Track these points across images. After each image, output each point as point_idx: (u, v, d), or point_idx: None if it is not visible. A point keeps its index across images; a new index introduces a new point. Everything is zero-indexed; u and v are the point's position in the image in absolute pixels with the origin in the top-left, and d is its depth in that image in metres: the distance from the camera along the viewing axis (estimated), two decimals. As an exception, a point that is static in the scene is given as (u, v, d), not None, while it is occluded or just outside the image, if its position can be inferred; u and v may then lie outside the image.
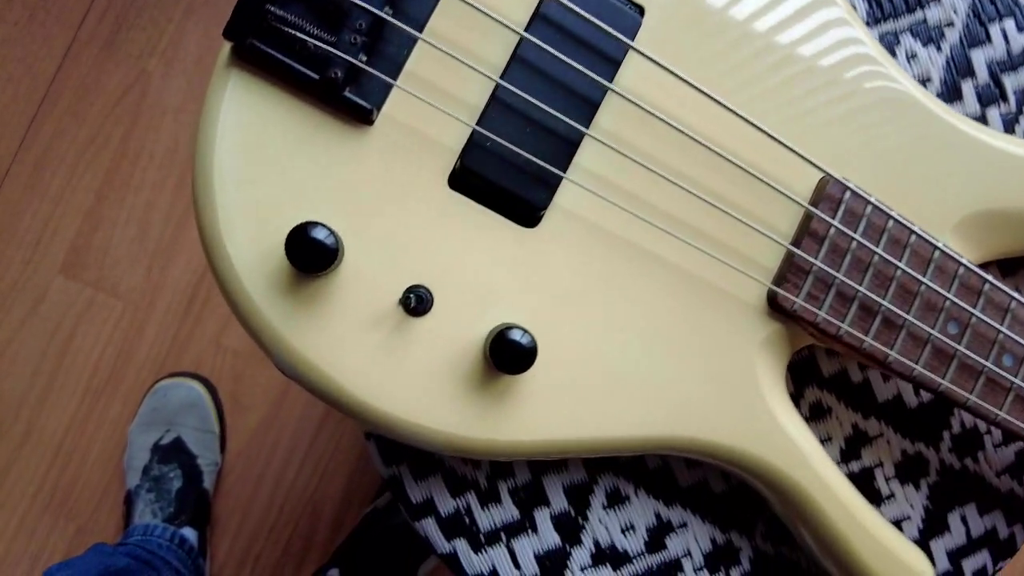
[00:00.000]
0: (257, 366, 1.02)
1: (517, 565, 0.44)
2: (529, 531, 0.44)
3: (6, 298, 1.00)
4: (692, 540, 0.45)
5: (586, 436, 0.38)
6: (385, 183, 0.36)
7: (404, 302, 0.35)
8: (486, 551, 0.44)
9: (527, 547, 0.45)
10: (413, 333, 0.36)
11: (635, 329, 0.38)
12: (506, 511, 0.44)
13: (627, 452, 0.39)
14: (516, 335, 0.35)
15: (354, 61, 0.35)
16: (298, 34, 0.34)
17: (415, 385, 0.36)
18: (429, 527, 0.44)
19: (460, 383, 0.36)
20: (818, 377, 0.46)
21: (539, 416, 0.37)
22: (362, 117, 0.35)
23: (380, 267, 0.36)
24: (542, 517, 0.45)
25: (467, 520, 0.44)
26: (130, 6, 1.04)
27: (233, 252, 0.34)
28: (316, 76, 0.34)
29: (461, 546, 0.44)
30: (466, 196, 0.37)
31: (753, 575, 0.45)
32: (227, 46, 0.35)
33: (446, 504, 0.44)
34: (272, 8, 0.34)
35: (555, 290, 0.37)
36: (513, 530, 0.44)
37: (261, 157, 0.35)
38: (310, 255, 0.33)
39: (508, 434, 0.37)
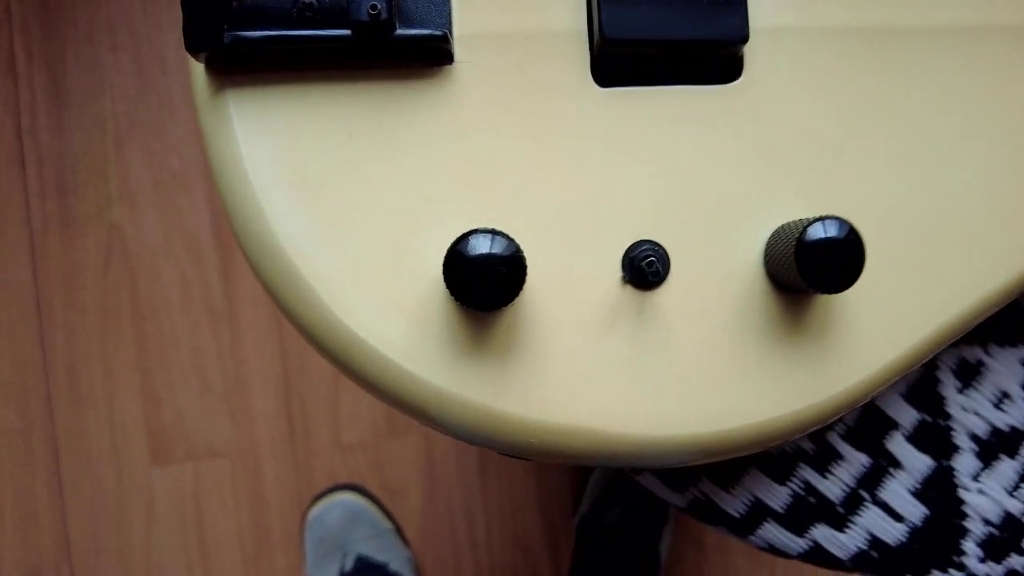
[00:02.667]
0: (389, 446, 0.92)
1: (898, 517, 0.32)
2: (890, 470, 0.32)
3: (120, 515, 0.92)
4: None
5: (954, 310, 0.25)
6: (509, 132, 0.23)
7: (636, 273, 0.23)
8: (852, 521, 0.32)
9: (898, 489, 0.32)
10: (670, 310, 0.24)
11: (924, 155, 0.25)
12: (851, 462, 0.32)
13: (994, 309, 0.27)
14: (824, 228, 0.22)
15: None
16: (290, -12, 0.21)
17: (723, 385, 0.24)
18: (771, 534, 0.32)
19: (761, 347, 0.24)
20: None
21: (895, 323, 0.25)
22: (435, 55, 0.23)
23: (569, 244, 0.23)
24: (896, 444, 0.32)
25: (812, 500, 0.32)
26: (63, 171, 0.93)
27: (364, 329, 0.23)
28: (347, 31, 0.22)
29: (820, 533, 0.32)
30: (630, 85, 0.24)
31: None
32: (198, 69, 0.23)
33: (777, 496, 0.32)
34: (232, -16, 0.22)
35: (814, 145, 0.25)
36: (871, 480, 0.32)
37: (329, 182, 0.23)
38: (494, 284, 0.20)
39: (855, 373, 0.25)
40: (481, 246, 0.20)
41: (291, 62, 0.22)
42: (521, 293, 0.22)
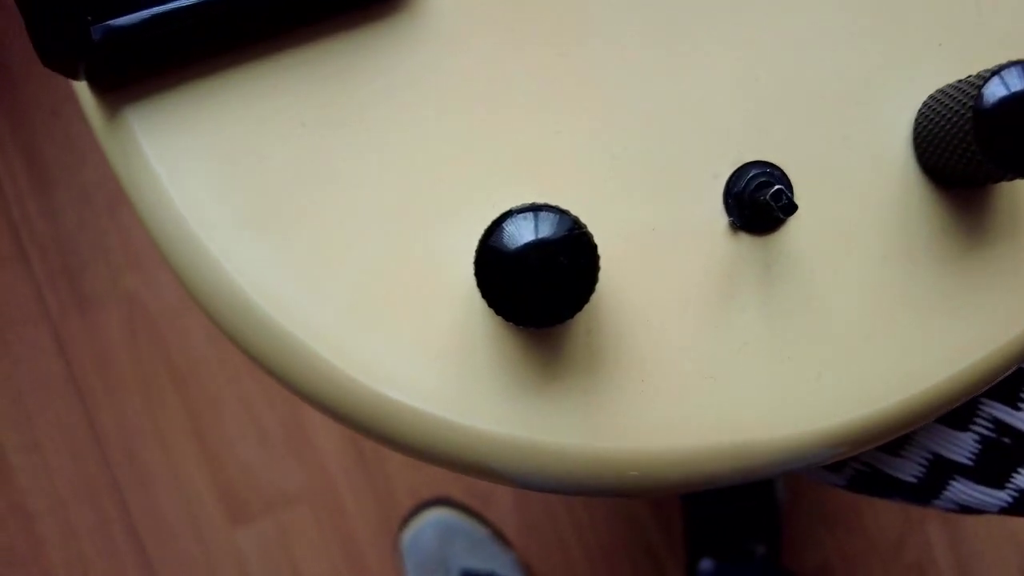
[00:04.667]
0: (467, 450, 0.87)
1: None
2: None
3: (214, 586, 0.89)
4: None
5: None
6: (522, 58, 0.17)
7: (754, 210, 0.16)
8: (1064, 455, 0.25)
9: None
10: (807, 254, 0.17)
11: None
12: None
13: None
14: (1008, 81, 0.15)
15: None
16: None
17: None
18: (961, 493, 0.25)
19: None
20: None
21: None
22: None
23: (640, 196, 0.16)
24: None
25: (1007, 440, 0.25)
26: (66, 254, 0.89)
27: (389, 385, 0.16)
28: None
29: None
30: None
31: None
32: (85, 92, 0.16)
33: (961, 446, 0.25)
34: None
35: None
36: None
37: (292, 199, 0.16)
38: (557, 284, 0.14)
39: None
40: (524, 232, 0.14)
41: (200, 46, 0.16)
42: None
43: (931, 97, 0.17)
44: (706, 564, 0.80)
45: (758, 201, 0.15)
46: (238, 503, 0.88)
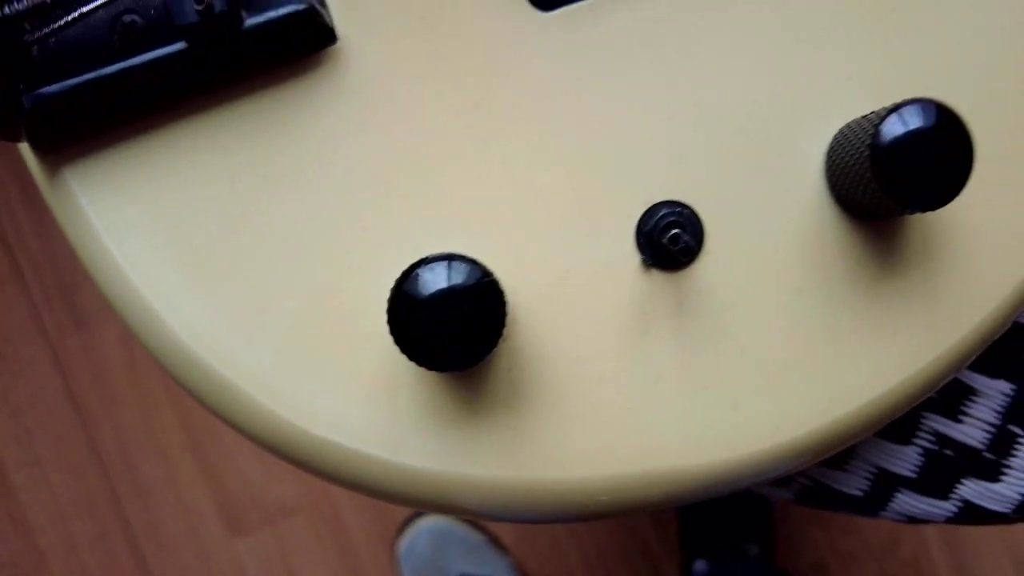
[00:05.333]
0: (461, 458, 0.88)
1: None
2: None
3: (215, 596, 0.90)
4: None
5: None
6: (437, 110, 0.17)
7: (658, 251, 0.16)
8: (1007, 466, 0.26)
9: (1056, 412, 0.26)
10: (720, 288, 0.17)
11: None
12: (989, 395, 0.26)
13: None
14: (904, 119, 0.15)
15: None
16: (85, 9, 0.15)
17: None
18: (907, 505, 0.26)
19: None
20: None
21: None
22: (309, 38, 0.17)
23: (556, 240, 0.17)
24: (1040, 358, 0.25)
25: (949, 453, 0.26)
26: (60, 272, 0.91)
27: (323, 426, 0.17)
28: (181, 43, 0.16)
29: (970, 489, 0.26)
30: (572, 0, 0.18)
31: None
32: (28, 152, 0.17)
33: (904, 459, 0.26)
34: (28, 25, 0.16)
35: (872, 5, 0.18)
36: (1017, 411, 0.26)
37: (225, 251, 0.17)
38: (465, 331, 0.14)
39: (981, 305, 0.18)
40: (436, 280, 0.15)
41: (131, 109, 0.17)
42: (510, 324, 0.16)
43: (840, 131, 0.17)
44: (700, 566, 0.81)
45: (660, 242, 0.16)
46: (237, 514, 0.89)
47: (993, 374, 0.26)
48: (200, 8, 0.15)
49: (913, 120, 0.16)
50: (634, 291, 0.17)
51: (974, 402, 0.26)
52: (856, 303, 0.18)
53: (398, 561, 0.87)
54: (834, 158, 0.17)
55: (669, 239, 0.15)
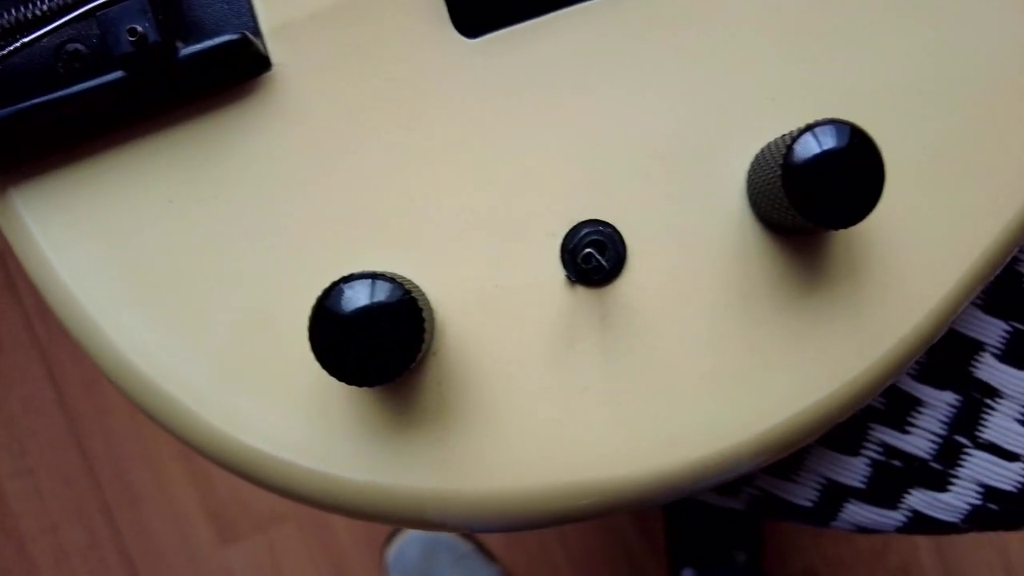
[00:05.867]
0: (449, 466, 0.88)
1: (1010, 456, 0.26)
2: (987, 401, 0.26)
3: (205, 604, 0.91)
4: None
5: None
6: (368, 133, 0.18)
7: (578, 268, 0.17)
8: (954, 476, 0.26)
9: (1002, 422, 0.26)
10: (642, 303, 0.18)
11: None
12: (935, 406, 0.26)
13: None
14: (818, 140, 0.16)
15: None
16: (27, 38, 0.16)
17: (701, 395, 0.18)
18: (857, 515, 0.26)
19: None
20: None
21: (947, 240, 0.18)
22: (243, 66, 0.17)
23: (485, 256, 0.18)
24: (987, 368, 0.26)
25: (897, 463, 0.26)
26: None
27: (258, 438, 0.17)
28: (119, 72, 0.16)
29: (918, 499, 0.26)
30: (504, 26, 0.18)
31: None
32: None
33: (853, 470, 0.26)
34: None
35: (787, 29, 0.19)
36: (965, 420, 0.26)
37: (163, 267, 0.17)
38: (382, 348, 0.15)
39: (909, 315, 0.19)
40: (357, 297, 0.15)
41: (75, 132, 0.17)
42: (440, 339, 0.17)
43: (760, 151, 0.18)
44: (688, 574, 0.81)
45: (576, 261, 0.16)
46: (226, 521, 0.90)
47: (939, 385, 0.26)
48: (134, 40, 0.15)
49: (826, 140, 0.16)
50: (561, 306, 0.17)
51: (920, 413, 0.26)
52: (782, 316, 0.18)
53: (387, 569, 0.87)
54: (753, 177, 0.18)
55: (582, 258, 0.16)
